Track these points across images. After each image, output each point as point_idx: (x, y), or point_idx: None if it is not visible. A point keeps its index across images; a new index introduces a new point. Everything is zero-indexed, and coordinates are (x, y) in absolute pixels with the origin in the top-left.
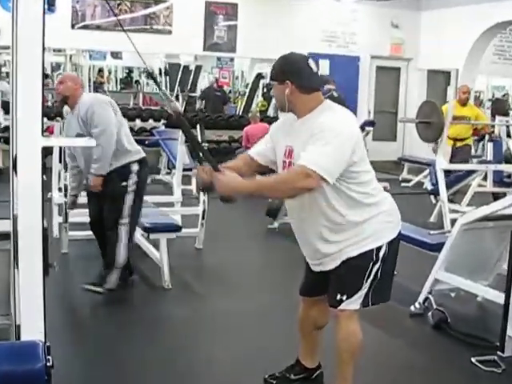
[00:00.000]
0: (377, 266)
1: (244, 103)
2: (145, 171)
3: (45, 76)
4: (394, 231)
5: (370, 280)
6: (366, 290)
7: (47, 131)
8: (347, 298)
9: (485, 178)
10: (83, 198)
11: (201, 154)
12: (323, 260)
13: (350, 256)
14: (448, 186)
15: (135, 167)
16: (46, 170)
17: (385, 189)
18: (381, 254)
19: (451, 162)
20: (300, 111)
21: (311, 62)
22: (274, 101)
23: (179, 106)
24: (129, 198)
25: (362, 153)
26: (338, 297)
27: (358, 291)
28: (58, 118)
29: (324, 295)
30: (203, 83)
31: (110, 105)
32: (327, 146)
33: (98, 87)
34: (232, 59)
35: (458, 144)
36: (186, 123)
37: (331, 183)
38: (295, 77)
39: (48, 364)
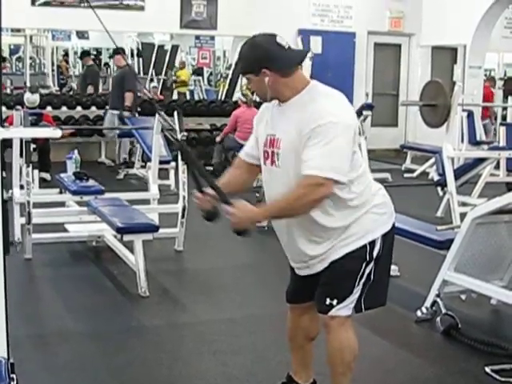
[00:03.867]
0: (370, 266)
1: (227, 87)
2: None
3: (2, 60)
4: (387, 224)
5: (362, 282)
6: (358, 293)
7: (6, 121)
8: (338, 303)
9: (497, 167)
10: (44, 197)
11: (212, 188)
12: (310, 262)
13: (341, 255)
14: (456, 176)
15: None
16: (6, 165)
17: (385, 180)
18: (374, 252)
19: None
20: (284, 96)
21: (280, 39)
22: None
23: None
24: None
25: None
26: (328, 301)
27: (349, 295)
28: (18, 107)
29: (313, 301)
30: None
31: None
32: (329, 143)
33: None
34: (212, 38)
35: None
36: (190, 152)
37: (346, 182)
38: (270, 62)
39: (12, 383)
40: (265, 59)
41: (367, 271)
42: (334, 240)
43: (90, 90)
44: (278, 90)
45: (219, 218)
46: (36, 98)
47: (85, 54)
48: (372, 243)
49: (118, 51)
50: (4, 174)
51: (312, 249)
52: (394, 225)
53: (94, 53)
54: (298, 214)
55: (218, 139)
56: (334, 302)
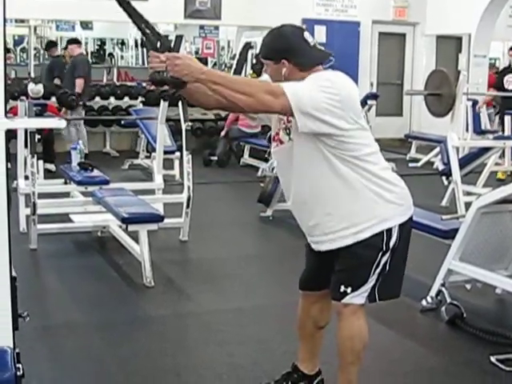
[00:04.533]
0: (386, 256)
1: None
2: None
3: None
4: (405, 215)
5: (377, 272)
6: (372, 282)
7: (11, 112)
8: (352, 291)
9: (502, 156)
10: (53, 187)
11: (148, 32)
12: (320, 238)
13: (357, 240)
14: (461, 166)
15: None
16: (11, 156)
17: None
18: (391, 242)
19: None
20: None
21: (307, 35)
22: (265, 76)
23: None
24: None
25: (361, 123)
26: (342, 289)
27: (364, 283)
28: (23, 98)
29: (326, 289)
30: None
31: None
32: (309, 84)
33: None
34: (217, 27)
35: None
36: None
37: (295, 115)
38: (292, 55)
39: (18, 373)
40: (286, 50)
41: (383, 261)
42: (349, 220)
43: (57, 81)
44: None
45: (165, 82)
46: (40, 88)
47: (51, 44)
48: (389, 232)
49: (73, 41)
50: (9, 165)
51: (327, 221)
52: (411, 218)
53: (98, 43)
54: (230, 95)
55: (222, 133)
56: (349, 289)
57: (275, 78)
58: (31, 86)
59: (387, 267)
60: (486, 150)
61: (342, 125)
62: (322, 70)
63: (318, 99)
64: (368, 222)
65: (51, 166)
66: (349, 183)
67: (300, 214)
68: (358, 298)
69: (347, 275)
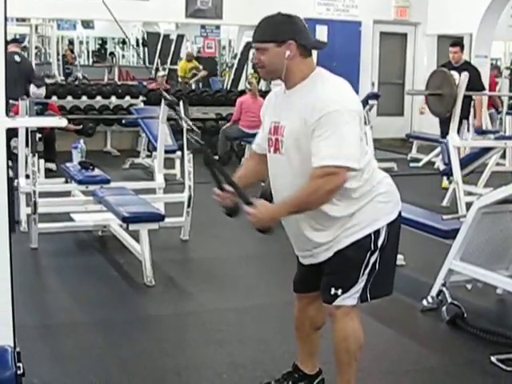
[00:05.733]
0: (374, 256)
1: (232, 76)
2: None
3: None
4: (393, 213)
5: (367, 272)
6: (363, 283)
7: (12, 111)
8: (343, 293)
9: (503, 156)
10: (50, 186)
11: (233, 188)
12: (314, 251)
13: (345, 245)
14: (462, 166)
15: None
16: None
17: (391, 170)
18: (379, 242)
19: None
20: (292, 79)
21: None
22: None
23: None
24: None
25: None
26: (333, 291)
27: (354, 284)
28: (24, 97)
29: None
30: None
31: None
32: (336, 131)
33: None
34: (218, 27)
35: None
36: (210, 153)
37: (359, 168)
38: (299, 36)
39: (18, 372)
40: (296, 31)
41: (372, 261)
42: (339, 229)
43: None
44: (292, 68)
45: (240, 214)
46: (42, 91)
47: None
48: (376, 232)
49: (14, 40)
50: (10, 164)
51: (316, 236)
52: (399, 214)
53: (100, 42)
54: (315, 207)
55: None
56: (339, 291)
57: (274, 62)
58: (33, 90)
59: (377, 266)
60: (487, 150)
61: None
62: (317, 68)
63: (353, 139)
64: (357, 225)
65: (52, 166)
66: (344, 192)
67: (295, 224)
68: (349, 299)
69: (337, 277)
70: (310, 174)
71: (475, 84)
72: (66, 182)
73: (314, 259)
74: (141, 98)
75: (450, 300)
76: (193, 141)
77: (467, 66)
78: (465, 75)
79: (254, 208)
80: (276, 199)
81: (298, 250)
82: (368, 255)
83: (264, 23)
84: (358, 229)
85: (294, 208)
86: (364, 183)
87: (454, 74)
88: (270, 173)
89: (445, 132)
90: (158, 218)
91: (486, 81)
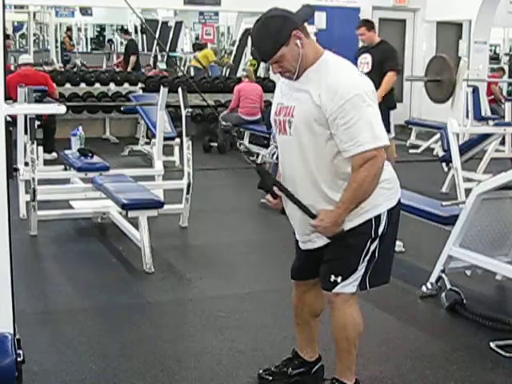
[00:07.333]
0: (375, 243)
1: (231, 63)
2: None
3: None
4: (393, 199)
5: (367, 259)
6: (362, 270)
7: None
8: (342, 280)
9: (502, 142)
10: (49, 174)
11: (296, 204)
12: (313, 235)
13: (346, 229)
14: (461, 152)
15: None
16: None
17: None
18: (380, 229)
19: None
20: (307, 62)
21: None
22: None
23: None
24: None
25: None
26: (332, 278)
27: (354, 272)
28: (22, 84)
29: (318, 278)
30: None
31: None
32: (362, 116)
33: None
34: (216, 13)
35: None
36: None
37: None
38: (293, 21)
39: (18, 359)
40: (289, 20)
41: (372, 248)
42: None
43: None
44: (307, 53)
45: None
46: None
47: None
48: (377, 218)
49: None
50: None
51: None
52: (399, 201)
53: (98, 29)
54: (369, 194)
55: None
56: (339, 279)
57: (294, 61)
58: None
59: (376, 254)
60: (486, 136)
61: None
62: (325, 52)
63: (377, 117)
64: (358, 210)
65: (51, 156)
66: (340, 173)
67: (291, 206)
68: (348, 287)
69: (337, 264)
70: (352, 164)
71: (388, 63)
72: (65, 169)
73: (313, 244)
74: (139, 84)
75: (449, 286)
76: (249, 162)
77: (382, 46)
78: (464, 61)
79: (318, 220)
80: (284, 179)
81: (299, 234)
82: (369, 243)
83: (260, 37)
84: (358, 214)
85: (351, 205)
86: None
87: (367, 56)
88: (280, 155)
89: None
90: (157, 204)
91: (485, 67)
